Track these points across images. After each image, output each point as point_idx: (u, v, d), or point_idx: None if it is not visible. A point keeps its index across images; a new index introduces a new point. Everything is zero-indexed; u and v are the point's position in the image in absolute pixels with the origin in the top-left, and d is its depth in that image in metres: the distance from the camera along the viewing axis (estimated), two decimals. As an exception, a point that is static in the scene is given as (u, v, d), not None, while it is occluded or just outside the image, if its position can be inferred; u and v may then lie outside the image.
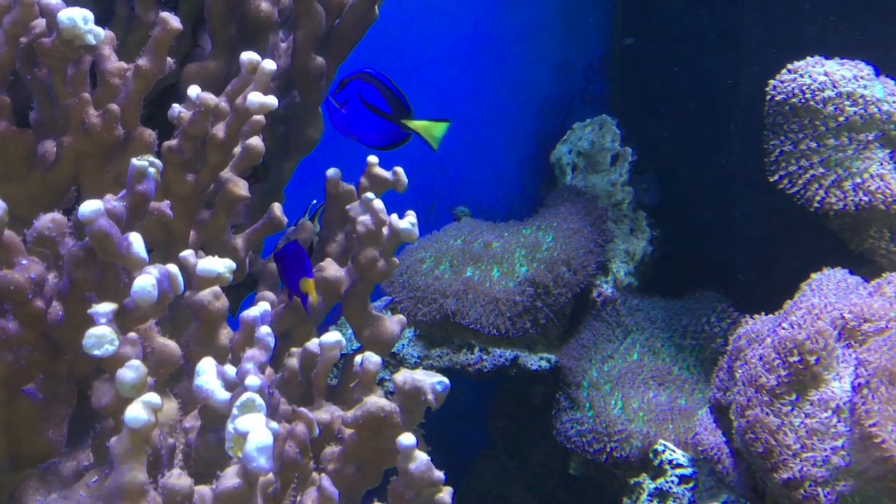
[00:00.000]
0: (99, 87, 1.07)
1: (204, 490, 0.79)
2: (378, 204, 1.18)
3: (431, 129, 1.35)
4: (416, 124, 1.34)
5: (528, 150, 2.44)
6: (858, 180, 1.76)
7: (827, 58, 1.86)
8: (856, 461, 1.15)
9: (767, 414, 1.23)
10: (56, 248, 0.87)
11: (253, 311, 0.92)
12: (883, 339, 1.17)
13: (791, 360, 1.25)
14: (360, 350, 1.13)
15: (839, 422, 1.20)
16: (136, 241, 0.85)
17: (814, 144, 1.79)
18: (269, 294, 1.28)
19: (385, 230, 1.18)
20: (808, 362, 1.24)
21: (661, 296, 2.14)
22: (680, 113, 2.25)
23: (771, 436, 1.21)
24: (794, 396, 1.24)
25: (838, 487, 1.16)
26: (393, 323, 1.24)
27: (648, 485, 1.63)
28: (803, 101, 1.80)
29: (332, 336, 1.00)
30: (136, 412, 0.73)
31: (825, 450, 1.18)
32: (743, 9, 1.97)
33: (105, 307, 0.81)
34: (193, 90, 1.09)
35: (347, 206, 1.24)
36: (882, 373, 1.12)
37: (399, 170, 1.27)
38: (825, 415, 1.21)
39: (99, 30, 1.00)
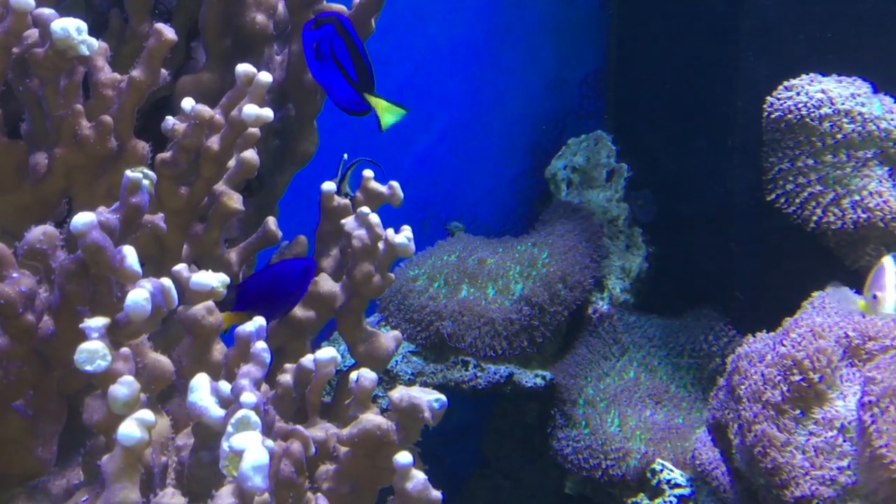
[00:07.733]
0: (92, 98, 1.06)
1: (198, 510, 0.77)
2: (374, 218, 1.16)
3: (388, 112, 1.29)
4: (378, 102, 1.28)
5: (523, 165, 2.43)
6: (857, 198, 1.75)
7: (824, 75, 1.86)
8: (863, 481, 1.13)
9: (774, 430, 1.22)
10: (47, 261, 0.86)
11: (248, 327, 0.90)
12: (890, 358, 1.16)
13: (793, 378, 1.23)
14: (354, 366, 1.11)
15: (845, 441, 1.18)
16: (130, 255, 0.84)
17: (811, 161, 1.79)
18: (264, 309, 1.26)
19: (381, 245, 1.17)
20: (811, 380, 1.22)
21: (657, 313, 2.12)
22: (676, 129, 2.24)
23: (779, 452, 1.19)
24: (798, 412, 1.23)
25: (845, 508, 1.14)
26: (388, 339, 1.22)
27: (646, 504, 1.61)
28: (799, 118, 1.79)
29: (328, 352, 0.98)
30: (129, 429, 0.71)
31: (832, 469, 1.16)
32: (740, 25, 1.96)
33: (97, 321, 0.79)
34: (188, 102, 1.08)
35: (342, 221, 1.23)
36: (891, 393, 1.11)
37: (395, 184, 1.26)
38: (830, 434, 1.19)
39: (92, 40, 0.99)
